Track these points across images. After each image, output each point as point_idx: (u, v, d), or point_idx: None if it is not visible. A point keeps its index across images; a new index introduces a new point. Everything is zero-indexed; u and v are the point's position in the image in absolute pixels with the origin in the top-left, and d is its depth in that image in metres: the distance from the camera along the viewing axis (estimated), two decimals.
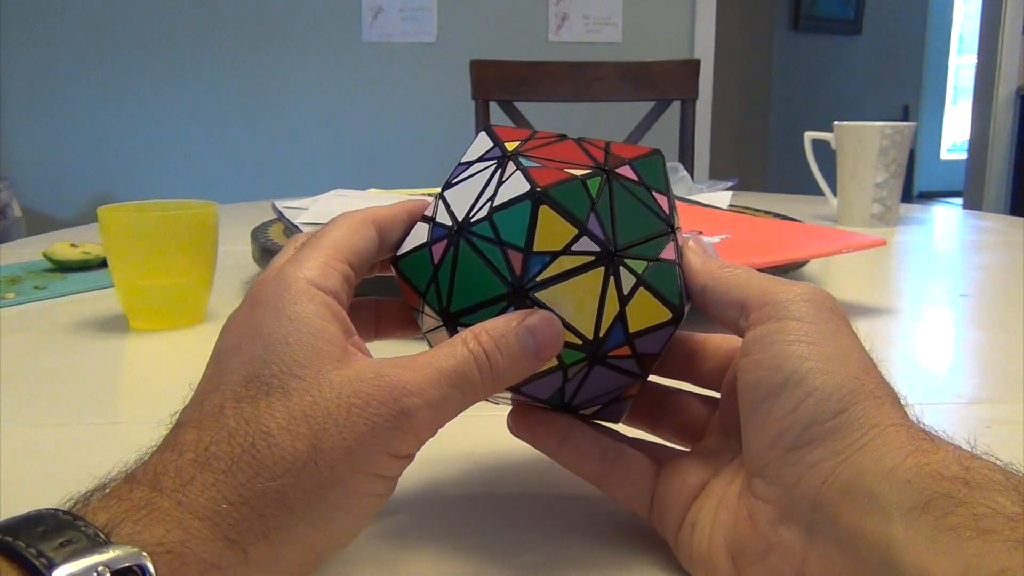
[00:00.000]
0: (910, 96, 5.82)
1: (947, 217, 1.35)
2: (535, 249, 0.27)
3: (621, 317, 0.28)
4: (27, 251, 0.87)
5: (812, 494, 0.24)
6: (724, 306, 0.28)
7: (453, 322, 0.29)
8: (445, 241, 0.29)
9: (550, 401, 0.30)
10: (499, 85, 1.63)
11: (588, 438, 0.30)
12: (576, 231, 0.27)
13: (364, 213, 0.30)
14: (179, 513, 0.21)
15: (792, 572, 0.24)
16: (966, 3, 6.17)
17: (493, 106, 1.64)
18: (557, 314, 0.27)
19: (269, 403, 0.24)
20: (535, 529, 0.32)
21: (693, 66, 1.64)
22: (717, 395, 0.32)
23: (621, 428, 0.33)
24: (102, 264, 0.78)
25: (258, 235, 0.71)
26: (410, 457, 0.26)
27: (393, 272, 0.31)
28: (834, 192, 1.06)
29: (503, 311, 0.27)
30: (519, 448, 0.37)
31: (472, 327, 0.27)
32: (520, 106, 1.63)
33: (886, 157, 0.99)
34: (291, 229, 0.73)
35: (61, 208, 2.83)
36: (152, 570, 0.19)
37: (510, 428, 0.31)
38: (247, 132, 2.85)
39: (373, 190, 1.00)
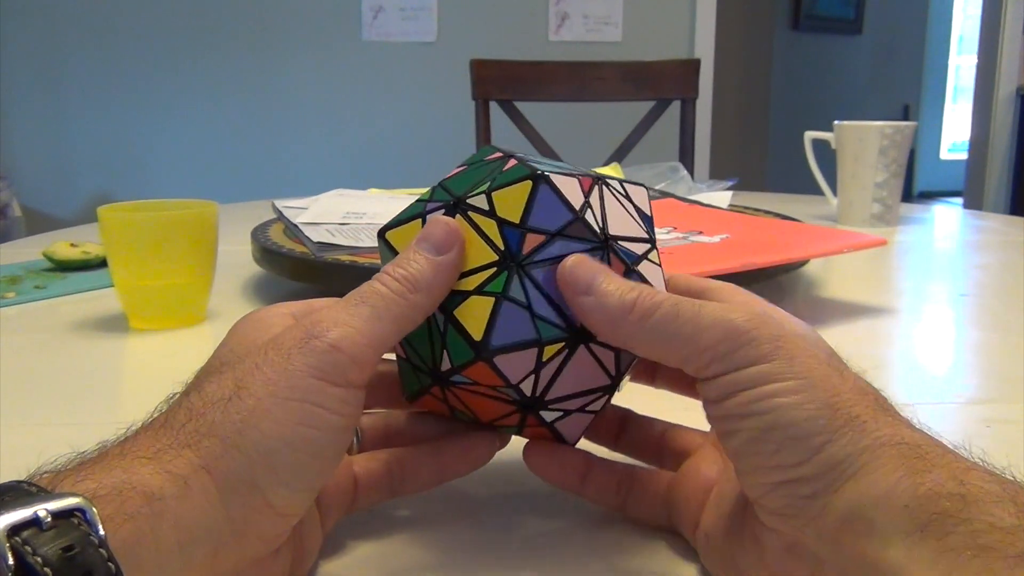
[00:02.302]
0: (910, 96, 5.81)
1: (947, 217, 1.35)
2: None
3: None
4: (27, 251, 0.87)
5: (812, 524, 0.23)
6: (661, 362, 0.27)
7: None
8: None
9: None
10: (499, 85, 1.63)
11: (605, 472, 0.31)
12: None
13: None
14: (123, 460, 0.23)
15: None
16: (966, 3, 6.16)
17: (493, 106, 1.64)
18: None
19: (208, 375, 0.26)
20: (540, 525, 0.32)
21: (693, 66, 1.64)
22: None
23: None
24: (102, 264, 0.78)
25: (258, 235, 0.71)
26: (356, 389, 0.25)
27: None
28: (834, 192, 1.06)
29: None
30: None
31: None
32: (520, 106, 1.63)
33: (886, 157, 0.99)
34: (291, 229, 0.73)
35: (61, 208, 2.83)
36: (91, 511, 0.20)
37: (527, 463, 0.31)
38: (247, 132, 2.85)
39: (373, 190, 1.01)
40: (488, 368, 0.28)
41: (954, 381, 0.50)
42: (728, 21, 3.26)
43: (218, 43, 2.79)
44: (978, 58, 3.48)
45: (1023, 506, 0.20)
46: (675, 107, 1.65)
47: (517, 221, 0.28)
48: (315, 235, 0.67)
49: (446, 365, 0.29)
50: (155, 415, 0.25)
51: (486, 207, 0.28)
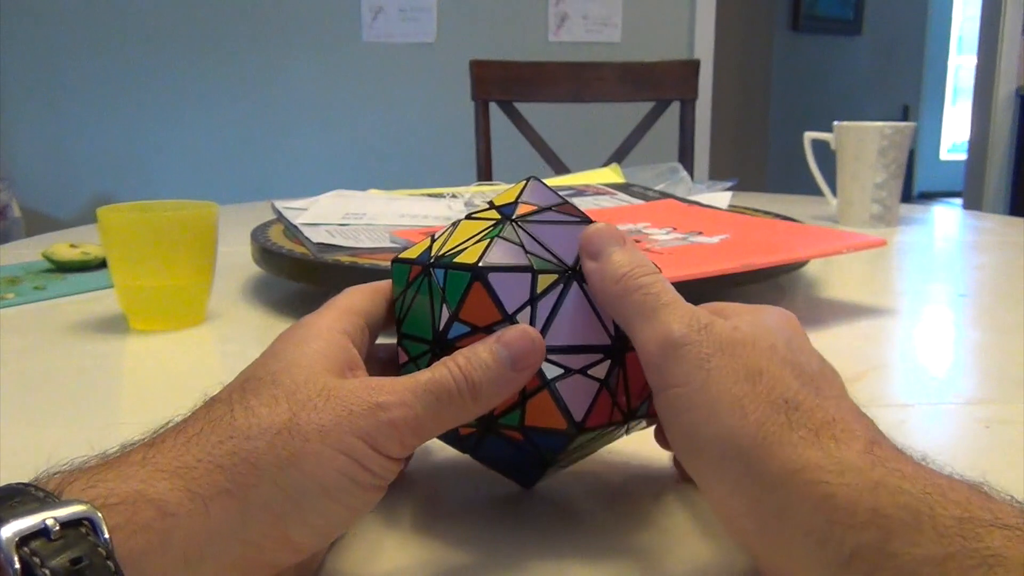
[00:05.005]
0: (910, 96, 5.81)
1: (947, 217, 1.35)
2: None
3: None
4: (27, 251, 0.87)
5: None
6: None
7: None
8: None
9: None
10: (499, 85, 1.63)
11: None
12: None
13: (375, 284, 0.33)
14: (142, 469, 0.22)
15: None
16: (966, 3, 6.16)
17: (493, 106, 1.64)
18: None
19: (257, 390, 0.26)
20: (543, 525, 0.32)
21: (693, 66, 1.65)
22: None
23: None
24: (102, 265, 0.78)
25: (258, 235, 0.71)
26: (395, 461, 0.26)
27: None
28: (834, 192, 1.06)
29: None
30: None
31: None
32: (520, 106, 1.63)
33: (886, 157, 0.99)
34: (291, 230, 0.73)
35: (61, 208, 2.83)
36: (98, 520, 0.20)
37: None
38: (247, 133, 2.85)
39: (373, 190, 1.01)
40: (484, 292, 0.28)
41: (953, 381, 0.50)
42: (728, 22, 3.27)
43: (218, 44, 2.79)
44: (978, 58, 3.49)
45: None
46: (675, 108, 1.66)
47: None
48: (315, 236, 0.68)
49: (445, 315, 0.29)
50: (188, 417, 0.26)
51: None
